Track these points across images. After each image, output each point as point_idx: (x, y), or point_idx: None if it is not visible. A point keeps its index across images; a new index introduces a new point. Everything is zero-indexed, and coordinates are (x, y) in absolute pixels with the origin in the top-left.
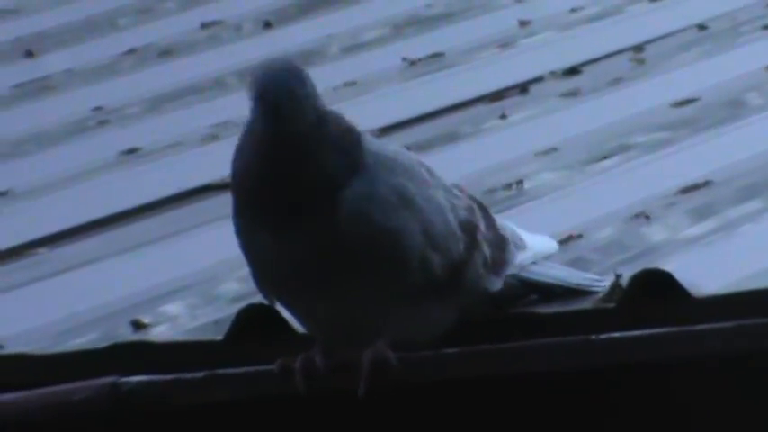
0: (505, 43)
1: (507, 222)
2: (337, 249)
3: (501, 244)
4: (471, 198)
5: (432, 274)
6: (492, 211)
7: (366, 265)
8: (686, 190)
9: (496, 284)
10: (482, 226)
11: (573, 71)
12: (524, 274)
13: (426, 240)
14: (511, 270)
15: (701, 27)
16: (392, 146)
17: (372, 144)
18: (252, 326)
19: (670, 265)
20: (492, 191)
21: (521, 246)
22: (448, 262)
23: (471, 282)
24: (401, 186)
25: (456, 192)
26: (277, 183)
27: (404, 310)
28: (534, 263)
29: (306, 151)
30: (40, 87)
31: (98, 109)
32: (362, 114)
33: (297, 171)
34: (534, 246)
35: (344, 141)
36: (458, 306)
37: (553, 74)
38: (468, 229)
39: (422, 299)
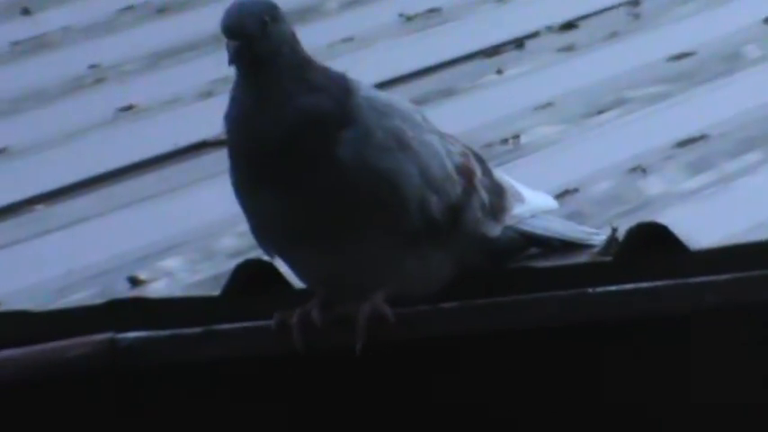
0: None
1: (506, 176)
2: (336, 195)
3: (498, 191)
4: (466, 147)
5: (430, 216)
6: (489, 164)
7: (364, 209)
8: (683, 143)
9: (495, 230)
10: (478, 171)
11: (569, 26)
12: (522, 227)
13: (424, 182)
14: (509, 220)
15: None
16: (386, 93)
17: (366, 90)
18: (250, 281)
19: (667, 219)
20: (489, 145)
21: (519, 198)
22: (446, 204)
23: (470, 226)
24: (397, 129)
25: (450, 139)
26: (267, 130)
27: (403, 258)
28: (533, 216)
29: (290, 93)
30: (37, 45)
31: (95, 66)
32: (360, 69)
33: (285, 115)
34: (533, 201)
35: (334, 87)
36: (456, 255)
37: (549, 28)
38: (465, 173)
39: (421, 245)
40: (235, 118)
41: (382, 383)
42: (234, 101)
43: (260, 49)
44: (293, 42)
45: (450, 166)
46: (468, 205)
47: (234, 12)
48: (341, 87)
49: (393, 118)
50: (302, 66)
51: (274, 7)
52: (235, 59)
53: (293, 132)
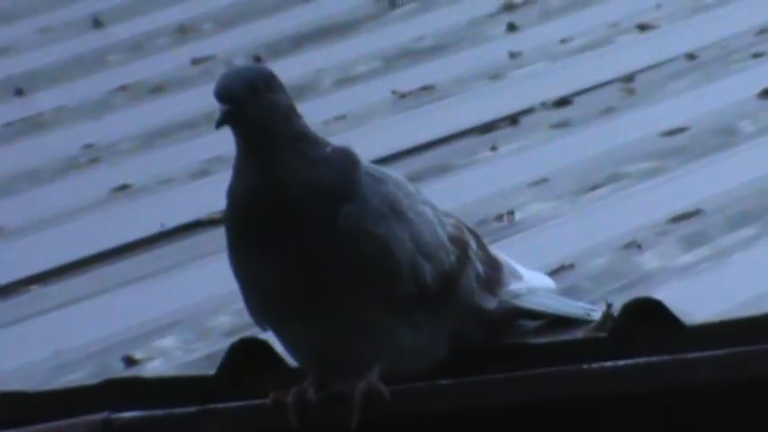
0: (496, 75)
1: (503, 254)
2: (331, 264)
3: (494, 264)
4: (460, 221)
5: (423, 282)
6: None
7: (358, 275)
8: (677, 218)
9: (490, 303)
10: (473, 244)
11: (563, 102)
12: (518, 303)
13: (416, 248)
14: (505, 295)
15: (691, 56)
16: (379, 167)
17: (364, 166)
18: (245, 360)
19: (662, 294)
20: (484, 222)
21: (516, 275)
22: (439, 271)
23: (464, 296)
24: (392, 195)
25: (444, 213)
26: (269, 202)
27: (396, 328)
28: (529, 292)
29: (293, 168)
30: (31, 125)
31: (89, 146)
32: (354, 147)
33: (288, 189)
34: (531, 279)
35: (338, 161)
36: (451, 327)
37: (543, 105)
38: (458, 243)
39: (414, 314)
40: (236, 190)
41: None
42: (236, 174)
43: (249, 115)
44: (290, 113)
45: (443, 235)
46: (463, 274)
47: (227, 76)
48: (345, 161)
49: (388, 185)
50: (302, 139)
51: (270, 76)
52: (220, 122)
53: (295, 206)
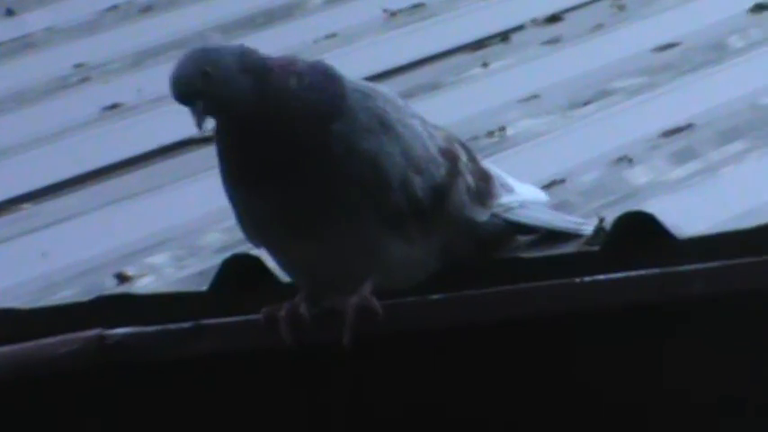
0: None
1: (494, 167)
2: (323, 182)
3: (485, 177)
4: (449, 134)
5: (414, 196)
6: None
7: (350, 192)
8: (668, 133)
9: (482, 215)
10: (463, 156)
11: (554, 18)
12: (510, 216)
13: (407, 162)
14: (497, 208)
15: None
16: (367, 82)
17: (350, 81)
18: (237, 276)
19: (653, 208)
20: (475, 138)
21: (507, 188)
22: (430, 185)
23: (456, 209)
24: (380, 110)
25: (433, 126)
26: (262, 134)
27: (389, 242)
28: (521, 206)
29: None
30: (22, 45)
31: (79, 66)
32: (344, 66)
33: (279, 120)
34: (523, 192)
35: (322, 84)
36: (443, 241)
37: (534, 21)
38: (448, 155)
39: (407, 228)
40: (224, 126)
41: (371, 377)
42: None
43: (218, 98)
44: (250, 66)
45: (433, 148)
46: (454, 187)
47: (173, 80)
48: (326, 80)
49: (376, 99)
50: (275, 78)
51: (207, 53)
52: (199, 123)
53: (286, 135)
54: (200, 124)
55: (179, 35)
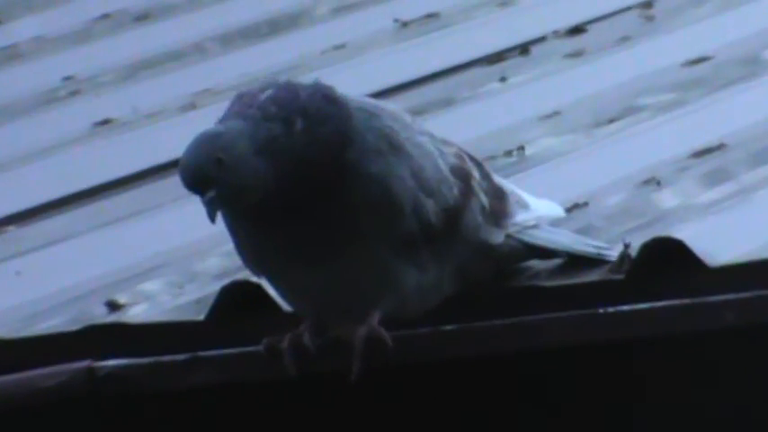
0: (505, 1)
1: (507, 182)
2: (331, 214)
3: (499, 194)
4: (461, 150)
5: (426, 220)
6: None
7: (358, 217)
8: (699, 153)
9: (497, 236)
10: (476, 174)
11: (577, 30)
12: (527, 238)
13: (417, 185)
14: (512, 227)
15: None
16: (371, 99)
17: (353, 100)
18: (236, 304)
19: (682, 233)
20: (492, 158)
21: (522, 204)
22: (442, 207)
23: (469, 231)
24: (387, 129)
25: (443, 142)
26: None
27: (400, 268)
28: (537, 227)
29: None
30: (8, 56)
31: (69, 78)
32: (352, 79)
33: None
34: (538, 208)
35: (328, 110)
36: (456, 266)
37: (556, 33)
38: (461, 174)
39: (418, 254)
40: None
41: (377, 411)
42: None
43: (233, 187)
44: (263, 143)
45: (444, 168)
46: (467, 209)
47: (183, 168)
48: (334, 107)
49: (382, 118)
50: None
51: (220, 137)
52: (211, 215)
53: (302, 178)
54: (212, 216)
55: (176, 46)
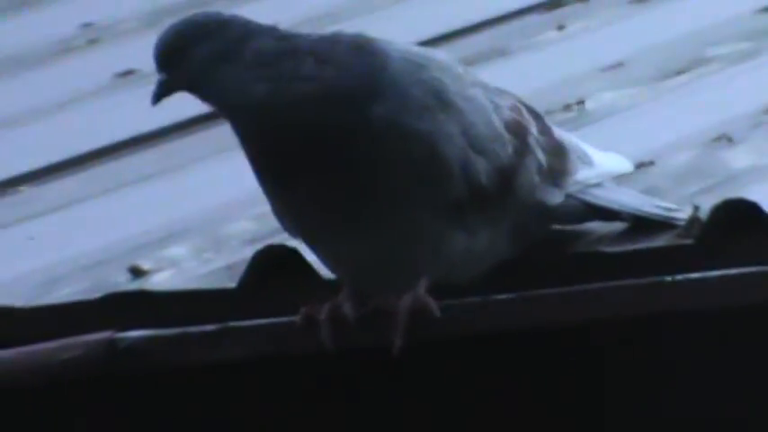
0: None
1: (569, 134)
2: (371, 172)
3: (559, 151)
4: (518, 100)
5: (476, 182)
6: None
7: (402, 180)
8: None
9: (556, 197)
10: (533, 129)
11: None
12: (589, 198)
13: (467, 143)
14: (573, 186)
15: None
16: (418, 46)
17: (397, 46)
18: (270, 271)
19: (756, 195)
20: (549, 112)
21: (585, 160)
22: (495, 167)
23: (525, 192)
24: (436, 82)
25: (498, 92)
26: (285, 121)
27: (448, 235)
28: (601, 185)
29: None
30: (22, 2)
31: (88, 25)
32: (401, 26)
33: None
34: (603, 164)
35: (349, 60)
36: (510, 230)
37: None
38: (516, 130)
39: (468, 218)
40: (246, 111)
41: (421, 386)
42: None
43: (191, 82)
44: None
45: (498, 124)
46: (522, 168)
47: (155, 43)
48: (362, 56)
49: (430, 69)
50: (294, 53)
51: (201, 27)
52: (154, 96)
53: (316, 121)
54: (154, 98)
55: None
